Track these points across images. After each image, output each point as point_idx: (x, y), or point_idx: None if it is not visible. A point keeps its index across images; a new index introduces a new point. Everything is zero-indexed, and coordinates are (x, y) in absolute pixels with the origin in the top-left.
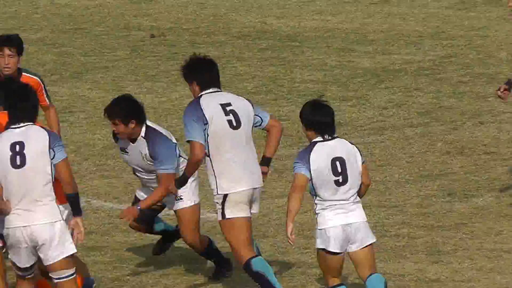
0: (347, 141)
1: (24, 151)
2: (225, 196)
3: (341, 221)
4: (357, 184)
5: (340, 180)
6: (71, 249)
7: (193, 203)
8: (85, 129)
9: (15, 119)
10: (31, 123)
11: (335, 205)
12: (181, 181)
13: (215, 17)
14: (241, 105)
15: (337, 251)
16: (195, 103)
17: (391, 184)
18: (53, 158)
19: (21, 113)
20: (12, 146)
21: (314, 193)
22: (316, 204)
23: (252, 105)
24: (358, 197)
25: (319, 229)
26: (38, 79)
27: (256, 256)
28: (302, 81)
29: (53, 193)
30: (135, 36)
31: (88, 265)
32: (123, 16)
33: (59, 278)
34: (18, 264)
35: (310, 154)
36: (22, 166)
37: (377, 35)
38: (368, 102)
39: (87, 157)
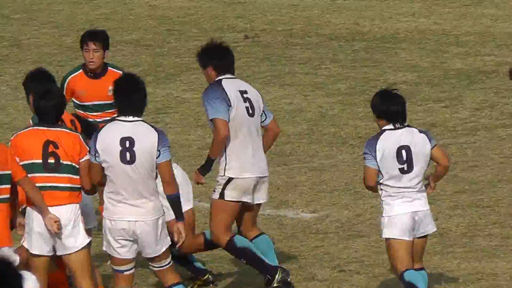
0: (416, 130)
1: (134, 148)
2: (230, 179)
3: (407, 209)
4: (423, 173)
5: (405, 168)
6: (168, 241)
7: (187, 208)
8: (179, 130)
9: (123, 111)
10: (139, 117)
11: (401, 193)
12: (206, 167)
13: (309, 18)
14: (255, 95)
15: (405, 238)
16: (217, 84)
17: (483, 184)
18: (158, 157)
19: (130, 105)
20: (122, 141)
21: (379, 181)
22: (381, 191)
23: (262, 99)
24: (423, 186)
25: (386, 217)
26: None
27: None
28: (395, 83)
29: (157, 190)
30: (229, 38)
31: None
32: (217, 18)
33: (160, 267)
34: (116, 256)
35: (377, 142)
36: (131, 163)
37: (469, 36)
38: (460, 103)
39: (182, 158)
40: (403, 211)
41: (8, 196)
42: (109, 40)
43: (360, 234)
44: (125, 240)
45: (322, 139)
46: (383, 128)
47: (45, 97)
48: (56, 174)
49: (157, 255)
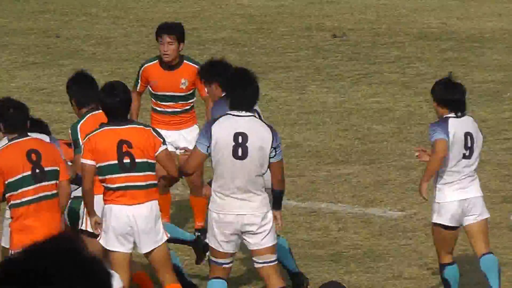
0: (472, 119)
1: (247, 144)
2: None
3: (460, 196)
4: (477, 161)
5: (467, 154)
6: (275, 238)
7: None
8: None
9: (236, 106)
10: (251, 112)
11: (458, 179)
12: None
13: (397, 17)
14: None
15: (454, 225)
16: None
17: None
18: (273, 156)
19: (244, 100)
20: (235, 136)
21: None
22: (438, 177)
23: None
24: (476, 173)
25: (437, 203)
26: (199, 68)
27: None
28: (482, 82)
29: (264, 185)
30: (317, 37)
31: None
32: (305, 17)
33: (263, 263)
34: (219, 249)
35: (447, 124)
36: (243, 159)
37: None
38: None
39: None
40: (455, 198)
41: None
42: (185, 34)
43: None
44: (231, 234)
45: (410, 137)
46: (446, 116)
47: (111, 94)
48: (133, 174)
49: (260, 248)
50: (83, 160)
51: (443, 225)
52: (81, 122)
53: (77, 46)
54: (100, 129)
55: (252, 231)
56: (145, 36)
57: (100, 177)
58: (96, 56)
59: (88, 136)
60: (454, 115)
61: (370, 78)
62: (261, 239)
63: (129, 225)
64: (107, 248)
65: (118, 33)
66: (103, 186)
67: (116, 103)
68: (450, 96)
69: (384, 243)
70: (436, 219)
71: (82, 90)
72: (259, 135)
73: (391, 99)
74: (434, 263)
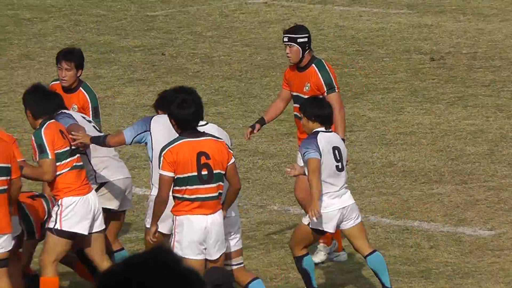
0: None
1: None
2: None
3: (339, 205)
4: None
5: (340, 167)
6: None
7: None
8: (364, 147)
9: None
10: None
11: (335, 191)
12: None
13: (493, 42)
14: None
15: (332, 231)
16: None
17: None
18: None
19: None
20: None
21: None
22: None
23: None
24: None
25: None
26: (88, 98)
27: None
28: None
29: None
30: (416, 59)
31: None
32: (404, 40)
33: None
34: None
35: (316, 140)
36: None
37: None
38: None
39: (366, 175)
40: (335, 207)
41: (5, 187)
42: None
43: None
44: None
45: (502, 159)
46: (315, 130)
47: (183, 107)
48: (209, 185)
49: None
50: (162, 172)
51: (319, 230)
52: (44, 127)
53: (182, 63)
54: (178, 142)
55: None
56: (248, 55)
57: (176, 188)
58: (200, 74)
59: (167, 148)
60: (324, 129)
61: (466, 100)
62: (235, 243)
63: (205, 234)
64: (184, 257)
65: (222, 52)
66: (176, 196)
67: (188, 115)
68: (320, 112)
69: (473, 261)
70: (313, 224)
71: (38, 102)
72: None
73: (485, 121)
74: None
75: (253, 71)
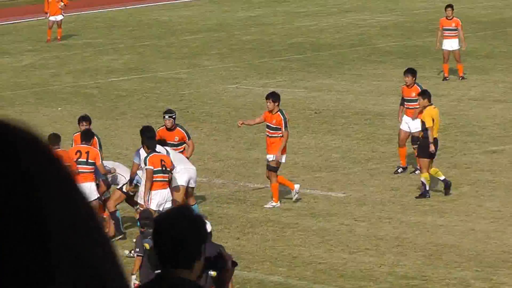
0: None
1: None
2: None
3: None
4: None
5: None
6: None
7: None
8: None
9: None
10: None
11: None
12: None
13: None
14: None
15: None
16: None
17: None
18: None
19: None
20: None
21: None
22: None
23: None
24: None
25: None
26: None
27: None
28: None
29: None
30: None
31: None
32: None
33: None
34: None
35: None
36: None
37: None
38: None
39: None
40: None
41: None
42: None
43: None
44: None
45: None
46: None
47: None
48: (163, 174)
49: None
50: (147, 167)
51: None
52: None
53: None
54: (151, 154)
55: None
56: None
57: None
58: None
59: (148, 157)
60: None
61: None
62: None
63: None
64: None
65: None
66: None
67: (153, 144)
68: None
69: None
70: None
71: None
72: None
73: None
74: None
75: None
